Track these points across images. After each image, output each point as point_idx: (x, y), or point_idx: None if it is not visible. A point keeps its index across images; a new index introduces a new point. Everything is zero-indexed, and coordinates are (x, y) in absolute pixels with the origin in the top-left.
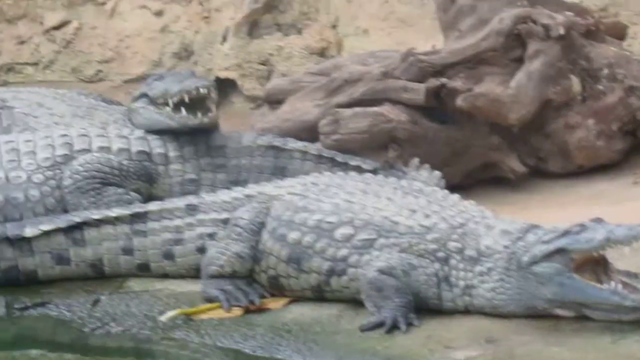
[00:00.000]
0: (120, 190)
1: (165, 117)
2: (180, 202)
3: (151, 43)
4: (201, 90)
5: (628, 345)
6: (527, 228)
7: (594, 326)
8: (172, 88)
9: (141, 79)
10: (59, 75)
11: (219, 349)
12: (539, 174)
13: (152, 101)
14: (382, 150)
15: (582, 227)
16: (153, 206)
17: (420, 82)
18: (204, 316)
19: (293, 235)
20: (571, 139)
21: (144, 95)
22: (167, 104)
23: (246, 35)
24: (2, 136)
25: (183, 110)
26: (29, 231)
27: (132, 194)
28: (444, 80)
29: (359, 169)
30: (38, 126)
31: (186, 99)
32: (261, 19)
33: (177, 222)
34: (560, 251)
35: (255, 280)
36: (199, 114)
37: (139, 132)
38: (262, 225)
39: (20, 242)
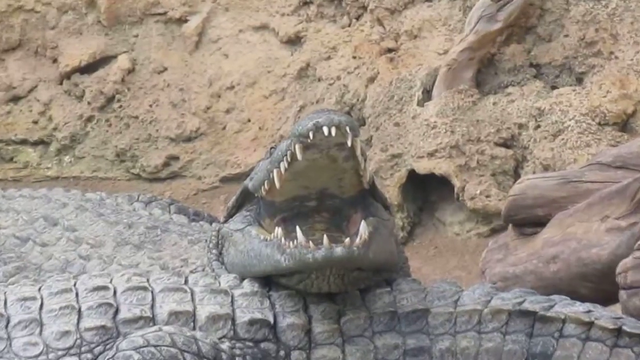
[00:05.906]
0: None
1: (271, 248)
2: None
3: (276, 99)
4: (325, 130)
5: None
6: None
7: None
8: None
9: None
10: (89, 166)
11: None
12: None
13: (256, 218)
14: None
15: None
16: None
17: None
18: None
19: None
20: None
21: (243, 194)
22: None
23: (472, 85)
24: None
25: (298, 232)
26: None
27: None
28: None
29: None
30: (46, 266)
31: (298, 155)
32: (476, 58)
33: None
34: None
35: None
36: (325, 240)
37: (252, 284)
38: None
39: None
